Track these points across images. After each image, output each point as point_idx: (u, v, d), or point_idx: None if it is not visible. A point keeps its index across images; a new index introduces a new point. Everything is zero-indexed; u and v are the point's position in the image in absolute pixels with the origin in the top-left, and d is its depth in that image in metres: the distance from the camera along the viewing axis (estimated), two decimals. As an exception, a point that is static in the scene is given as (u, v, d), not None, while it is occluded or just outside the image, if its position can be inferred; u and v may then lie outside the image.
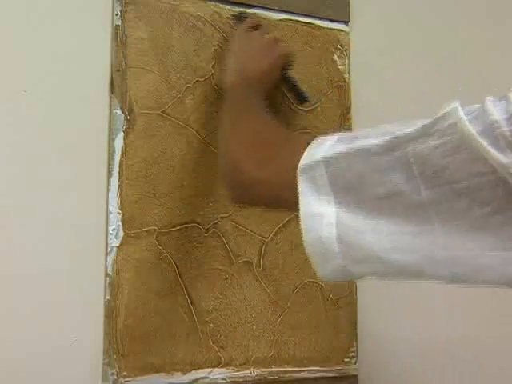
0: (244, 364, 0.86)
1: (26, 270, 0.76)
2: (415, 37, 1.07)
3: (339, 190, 0.53)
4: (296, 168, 0.56)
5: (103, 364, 0.78)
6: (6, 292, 0.74)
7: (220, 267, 0.86)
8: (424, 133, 0.49)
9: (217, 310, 0.85)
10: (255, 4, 0.92)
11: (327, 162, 0.54)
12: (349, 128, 0.97)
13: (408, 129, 0.50)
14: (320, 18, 0.97)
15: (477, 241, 0.47)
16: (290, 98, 0.93)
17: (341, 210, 0.53)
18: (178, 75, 0.86)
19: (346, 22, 0.99)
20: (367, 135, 0.53)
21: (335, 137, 0.56)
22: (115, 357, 0.78)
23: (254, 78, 0.80)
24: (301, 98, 0.93)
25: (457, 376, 0.99)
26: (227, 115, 0.78)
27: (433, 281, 0.51)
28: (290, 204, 0.56)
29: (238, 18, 0.90)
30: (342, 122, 0.97)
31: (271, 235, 0.90)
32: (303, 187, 0.55)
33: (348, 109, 0.98)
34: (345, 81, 0.98)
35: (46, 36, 0.80)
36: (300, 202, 0.55)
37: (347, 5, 1.00)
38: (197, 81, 0.87)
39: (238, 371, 0.85)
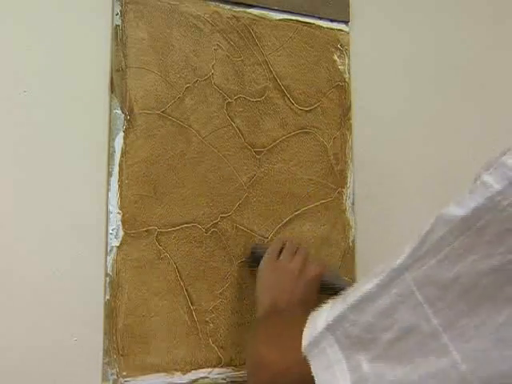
0: (244, 364, 0.86)
1: (26, 270, 0.76)
2: (415, 37, 1.08)
3: (351, 354, 0.48)
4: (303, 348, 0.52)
5: (103, 364, 0.78)
6: (6, 292, 0.74)
7: (220, 267, 0.86)
8: (416, 256, 0.45)
9: (217, 309, 0.85)
10: (255, 4, 0.92)
11: (331, 327, 0.50)
12: (349, 128, 0.98)
13: (397, 260, 0.46)
14: (320, 18, 0.97)
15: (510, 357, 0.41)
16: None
17: (360, 378, 0.47)
18: (178, 75, 0.86)
19: (346, 22, 1.00)
20: (358, 285, 0.50)
21: (328, 304, 0.53)
22: (115, 357, 0.78)
23: (288, 311, 0.74)
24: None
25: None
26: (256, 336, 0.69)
27: None
28: None
29: (255, 250, 0.86)
30: (342, 121, 0.98)
31: (271, 235, 0.90)
32: (316, 369, 0.50)
33: (348, 109, 0.98)
34: (345, 81, 0.98)
35: (45, 36, 0.80)
36: None
37: (347, 5, 1.00)
38: (197, 81, 0.88)
39: (237, 371, 0.85)
